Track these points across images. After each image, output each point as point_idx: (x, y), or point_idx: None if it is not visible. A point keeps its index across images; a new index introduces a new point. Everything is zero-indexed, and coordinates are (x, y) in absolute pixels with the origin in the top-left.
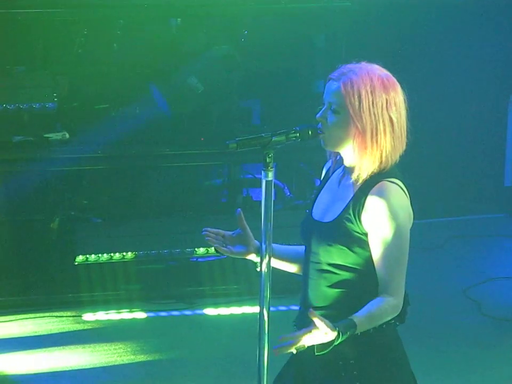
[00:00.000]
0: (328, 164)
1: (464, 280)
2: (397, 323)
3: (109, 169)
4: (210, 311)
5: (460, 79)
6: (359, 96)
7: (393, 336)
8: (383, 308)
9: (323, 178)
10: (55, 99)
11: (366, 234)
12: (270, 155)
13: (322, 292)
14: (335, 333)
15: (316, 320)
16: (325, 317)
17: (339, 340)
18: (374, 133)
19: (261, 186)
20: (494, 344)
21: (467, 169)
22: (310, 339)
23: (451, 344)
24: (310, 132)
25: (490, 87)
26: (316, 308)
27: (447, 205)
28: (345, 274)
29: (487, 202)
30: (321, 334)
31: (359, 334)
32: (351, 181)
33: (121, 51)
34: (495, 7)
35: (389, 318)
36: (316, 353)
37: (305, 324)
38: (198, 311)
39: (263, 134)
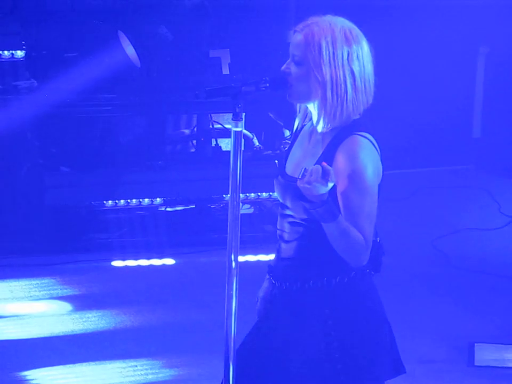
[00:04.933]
0: (300, 116)
1: (432, 232)
2: (372, 272)
3: (77, 117)
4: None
5: (430, 29)
6: (319, 48)
7: (368, 285)
8: (357, 235)
9: (295, 131)
10: (24, 47)
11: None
12: (239, 105)
13: (294, 244)
14: (326, 190)
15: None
16: (296, 268)
17: (323, 207)
18: (334, 84)
19: (230, 137)
20: (462, 295)
21: (436, 121)
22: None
23: (419, 295)
24: (280, 82)
25: (460, 38)
26: (287, 260)
27: (415, 156)
28: (316, 228)
29: (455, 154)
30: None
31: (333, 282)
32: (320, 137)
33: None
34: None
35: (352, 253)
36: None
37: (278, 275)
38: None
39: (232, 84)
